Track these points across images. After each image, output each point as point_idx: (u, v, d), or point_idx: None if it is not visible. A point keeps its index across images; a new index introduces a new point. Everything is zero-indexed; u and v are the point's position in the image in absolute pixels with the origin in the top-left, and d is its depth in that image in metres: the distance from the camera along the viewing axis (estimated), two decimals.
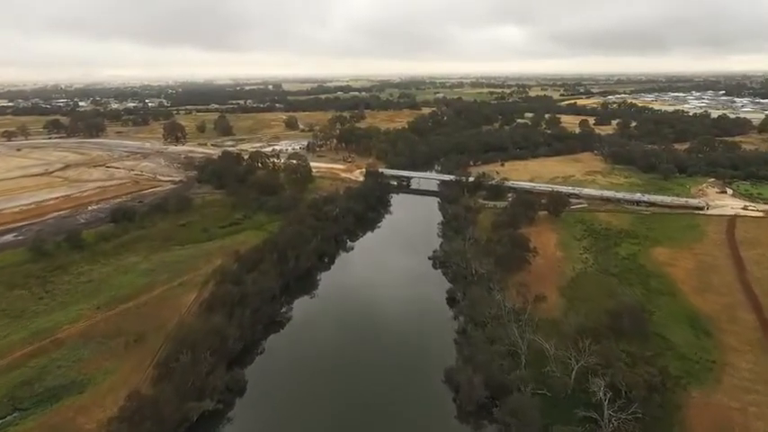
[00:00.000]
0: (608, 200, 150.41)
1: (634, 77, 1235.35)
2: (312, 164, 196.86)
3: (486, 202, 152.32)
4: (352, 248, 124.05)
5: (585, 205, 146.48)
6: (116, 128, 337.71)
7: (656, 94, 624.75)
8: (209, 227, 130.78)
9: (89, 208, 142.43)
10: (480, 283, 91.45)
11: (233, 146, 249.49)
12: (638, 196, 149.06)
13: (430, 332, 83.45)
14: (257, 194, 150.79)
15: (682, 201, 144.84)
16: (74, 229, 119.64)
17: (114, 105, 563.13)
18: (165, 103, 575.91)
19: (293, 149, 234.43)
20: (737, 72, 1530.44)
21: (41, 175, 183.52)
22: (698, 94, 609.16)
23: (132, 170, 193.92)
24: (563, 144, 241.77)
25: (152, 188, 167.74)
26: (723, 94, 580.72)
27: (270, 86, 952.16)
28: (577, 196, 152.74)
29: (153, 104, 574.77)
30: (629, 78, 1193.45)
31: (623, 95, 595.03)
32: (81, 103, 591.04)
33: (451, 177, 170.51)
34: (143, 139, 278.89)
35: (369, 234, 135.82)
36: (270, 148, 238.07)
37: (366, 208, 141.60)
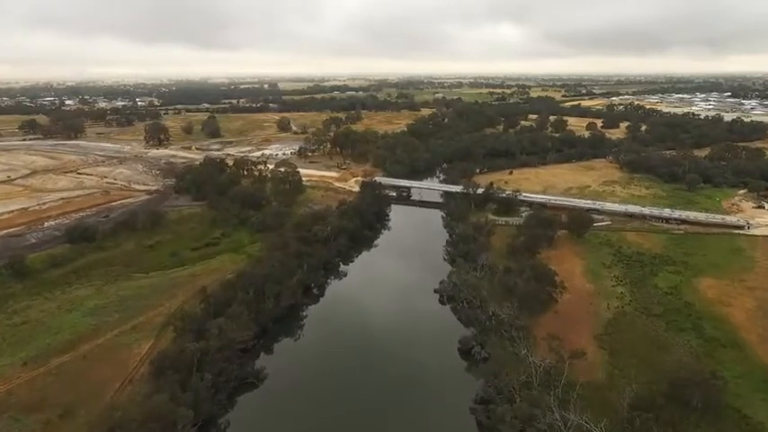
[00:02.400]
0: (632, 216, 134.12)
1: (633, 78, 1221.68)
2: (303, 171, 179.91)
3: (496, 218, 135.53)
4: (346, 274, 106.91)
5: (609, 222, 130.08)
6: (98, 128, 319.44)
7: (660, 95, 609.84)
8: (181, 249, 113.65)
9: (45, 224, 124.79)
10: (500, 329, 74.71)
11: (219, 149, 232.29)
12: (667, 212, 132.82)
13: (440, 397, 66.56)
14: (240, 208, 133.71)
15: (718, 218, 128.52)
16: (19, 252, 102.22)
17: (102, 104, 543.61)
18: (156, 102, 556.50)
19: (284, 154, 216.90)
20: (736, 73, 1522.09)
21: (1, 183, 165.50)
22: (703, 95, 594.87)
23: (105, 177, 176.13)
24: (574, 150, 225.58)
25: (123, 199, 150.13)
26: (729, 96, 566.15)
27: (265, 85, 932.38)
28: (598, 212, 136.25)
29: (143, 103, 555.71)
30: (628, 79, 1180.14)
31: (627, 97, 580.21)
32: (68, 102, 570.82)
33: (457, 188, 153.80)
34: (124, 142, 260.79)
35: (365, 255, 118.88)
36: (259, 153, 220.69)
37: (362, 225, 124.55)
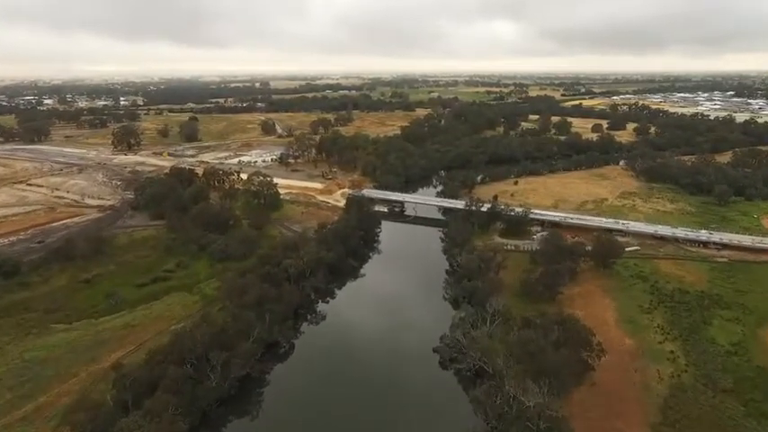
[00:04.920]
0: (662, 238, 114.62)
1: (631, 77, 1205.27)
2: (283, 182, 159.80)
3: (504, 240, 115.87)
4: (324, 317, 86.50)
5: (637, 247, 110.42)
6: (69, 131, 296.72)
7: (663, 94, 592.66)
8: (124, 285, 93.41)
9: None
10: (524, 418, 54.62)
11: (194, 156, 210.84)
12: (704, 235, 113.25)
13: None
14: (202, 230, 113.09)
15: (766, 242, 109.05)
16: None
17: (83, 103, 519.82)
18: (139, 102, 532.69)
19: (264, 161, 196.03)
20: (734, 71, 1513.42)
21: None
22: (706, 94, 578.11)
23: (56, 190, 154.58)
24: (583, 155, 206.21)
25: (70, 218, 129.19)
26: (733, 95, 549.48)
27: (257, 84, 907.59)
28: (622, 233, 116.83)
29: (126, 102, 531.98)
30: (625, 78, 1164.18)
31: (628, 96, 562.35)
32: (47, 101, 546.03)
33: (457, 203, 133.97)
34: (92, 146, 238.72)
35: (348, 291, 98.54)
36: (236, 160, 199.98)
37: (345, 253, 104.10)
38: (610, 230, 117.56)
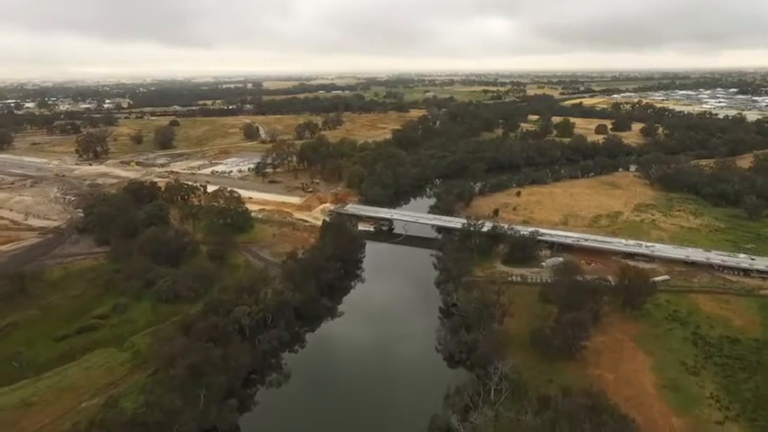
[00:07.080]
0: (694, 264, 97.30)
1: (629, 74, 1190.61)
2: (257, 195, 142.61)
3: (509, 269, 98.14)
4: (288, 377, 68.62)
5: (667, 277, 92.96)
6: (39, 137, 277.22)
7: (664, 92, 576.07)
8: (39, 338, 75.28)
9: None
10: None
11: (164, 165, 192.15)
12: (744, 260, 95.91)
13: None
14: (152, 261, 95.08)
15: None
16: None
17: (65, 107, 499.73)
18: (123, 105, 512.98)
19: (239, 171, 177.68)
20: (731, 68, 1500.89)
21: None
22: (708, 92, 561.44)
23: None
24: (591, 161, 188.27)
25: (4, 244, 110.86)
26: (737, 93, 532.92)
27: (249, 85, 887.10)
28: (647, 258, 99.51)
29: (110, 105, 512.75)
30: (622, 75, 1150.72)
31: (629, 94, 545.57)
32: (28, 104, 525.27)
33: (454, 222, 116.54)
34: (57, 155, 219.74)
35: (321, 336, 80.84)
36: (210, 170, 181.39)
37: (318, 290, 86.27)
38: (632, 255, 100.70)
